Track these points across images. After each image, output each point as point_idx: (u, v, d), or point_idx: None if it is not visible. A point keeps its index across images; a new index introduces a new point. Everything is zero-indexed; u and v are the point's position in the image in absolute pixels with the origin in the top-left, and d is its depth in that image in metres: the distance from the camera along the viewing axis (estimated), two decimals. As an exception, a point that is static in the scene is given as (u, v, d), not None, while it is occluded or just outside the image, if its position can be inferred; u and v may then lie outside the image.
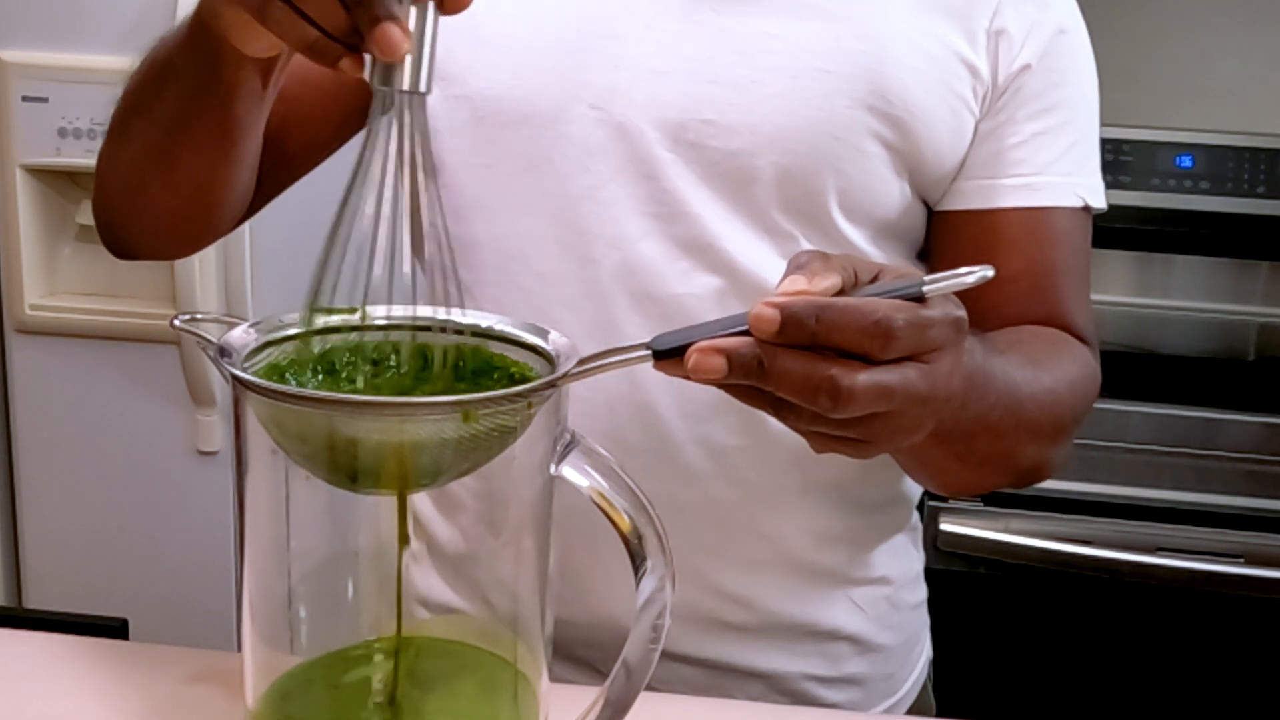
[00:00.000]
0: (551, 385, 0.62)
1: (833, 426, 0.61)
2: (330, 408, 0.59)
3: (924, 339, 0.60)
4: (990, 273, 0.60)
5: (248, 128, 0.83)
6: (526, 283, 0.89)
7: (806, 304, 0.58)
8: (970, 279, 0.60)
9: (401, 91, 0.62)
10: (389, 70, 0.62)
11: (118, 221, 0.94)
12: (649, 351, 0.61)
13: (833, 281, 0.61)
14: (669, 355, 0.61)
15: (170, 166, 0.86)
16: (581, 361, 0.63)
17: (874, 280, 0.63)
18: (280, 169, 0.95)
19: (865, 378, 0.58)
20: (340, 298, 0.64)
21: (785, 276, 0.62)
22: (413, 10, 0.62)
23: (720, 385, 0.61)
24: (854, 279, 0.63)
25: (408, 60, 0.61)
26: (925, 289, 0.60)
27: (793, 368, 0.58)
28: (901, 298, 0.60)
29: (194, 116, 0.81)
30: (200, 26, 0.75)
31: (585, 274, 0.87)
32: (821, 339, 0.58)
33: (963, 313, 0.63)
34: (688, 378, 0.60)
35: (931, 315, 0.60)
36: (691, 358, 0.59)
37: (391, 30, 0.60)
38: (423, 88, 0.62)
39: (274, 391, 0.59)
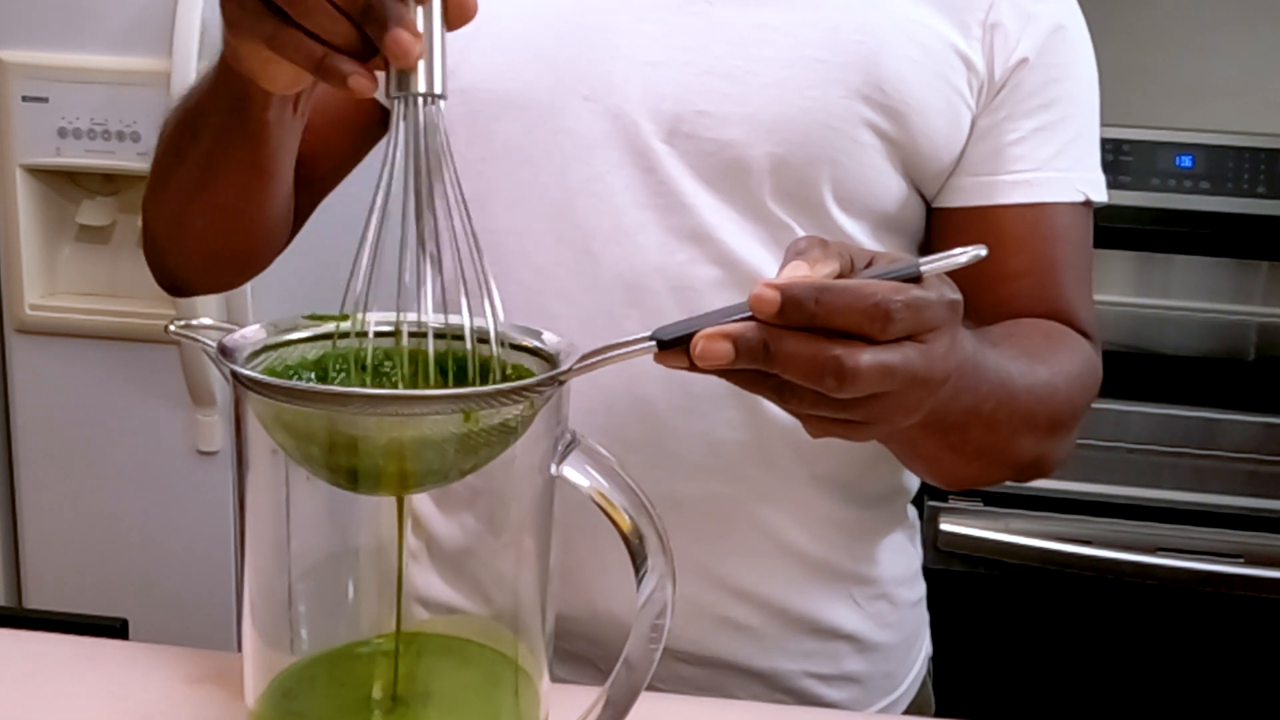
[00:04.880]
0: (556, 380, 0.62)
1: (834, 408, 0.62)
2: (331, 404, 0.59)
3: (921, 319, 0.61)
4: (983, 251, 0.62)
5: (280, 159, 0.85)
6: (524, 277, 0.89)
7: (806, 285, 0.59)
8: (964, 258, 0.62)
9: (418, 95, 0.62)
10: (403, 77, 0.62)
11: (164, 260, 0.96)
12: (653, 342, 0.61)
13: (832, 267, 0.62)
14: (672, 345, 0.61)
15: (209, 200, 0.88)
16: (584, 356, 0.63)
17: (868, 265, 0.64)
18: (307, 194, 0.97)
19: (869, 357, 0.59)
20: (374, 303, 0.64)
21: (785, 263, 0.63)
22: (419, 12, 0.62)
23: (724, 373, 0.61)
24: (850, 265, 0.64)
25: (420, 65, 0.62)
26: (922, 269, 0.62)
27: (798, 349, 0.59)
28: (898, 279, 0.61)
29: (228, 154, 0.83)
30: (227, 70, 0.77)
31: (583, 267, 0.87)
32: (821, 320, 0.59)
33: (958, 295, 0.64)
34: (690, 369, 0.61)
35: (928, 296, 0.61)
36: (698, 345, 0.60)
37: (402, 35, 0.61)
38: (438, 89, 0.63)
39: (274, 388, 0.59)
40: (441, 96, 0.63)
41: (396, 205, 0.63)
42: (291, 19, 0.64)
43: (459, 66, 0.90)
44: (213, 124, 0.83)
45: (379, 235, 0.62)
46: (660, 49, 0.86)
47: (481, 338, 0.66)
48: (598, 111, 0.86)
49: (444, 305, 0.64)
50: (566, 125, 0.87)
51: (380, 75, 0.64)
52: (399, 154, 0.62)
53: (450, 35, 0.90)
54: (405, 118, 0.62)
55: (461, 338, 0.65)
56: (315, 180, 0.97)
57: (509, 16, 0.89)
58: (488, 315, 0.64)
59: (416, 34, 0.62)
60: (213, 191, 0.87)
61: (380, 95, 0.65)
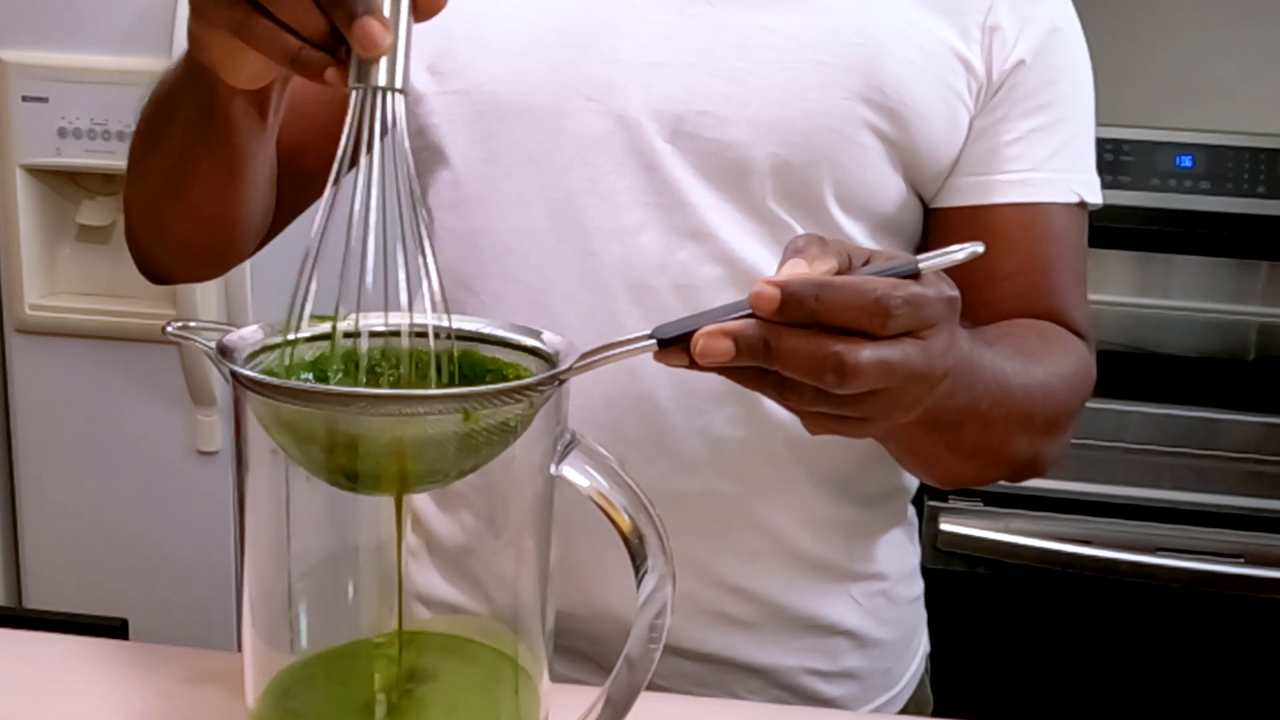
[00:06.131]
0: (556, 379, 0.62)
1: (834, 405, 0.62)
2: (331, 403, 0.59)
3: (921, 316, 0.61)
4: (980, 249, 0.63)
5: (252, 156, 0.84)
6: (526, 276, 0.89)
7: (806, 282, 0.60)
8: (961, 255, 0.62)
9: (379, 89, 0.61)
10: (365, 68, 0.61)
11: (144, 249, 0.96)
12: (653, 341, 0.61)
13: (831, 264, 0.62)
14: (672, 343, 0.61)
15: (182, 196, 0.87)
16: (584, 355, 0.63)
17: (866, 263, 0.65)
18: (300, 186, 0.96)
19: (869, 353, 0.59)
20: (324, 305, 0.63)
21: (784, 260, 0.63)
22: (386, 4, 0.62)
23: (725, 370, 0.61)
24: (848, 263, 0.64)
25: (383, 57, 0.61)
26: (920, 266, 0.62)
27: (798, 346, 0.59)
28: (897, 276, 0.61)
29: (198, 149, 0.82)
30: (192, 63, 0.76)
31: (585, 266, 0.88)
32: (821, 317, 0.59)
33: (956, 292, 0.64)
34: (689, 367, 0.61)
35: (927, 293, 0.62)
36: (699, 342, 0.60)
37: (371, 25, 0.61)
38: (398, 83, 0.62)
39: (273, 388, 0.59)
40: (402, 91, 0.62)
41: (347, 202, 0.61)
42: (261, 7, 0.63)
43: (463, 69, 0.90)
44: (182, 118, 0.82)
45: (329, 232, 0.61)
46: (662, 50, 0.86)
47: (471, 337, 0.66)
48: (600, 112, 0.87)
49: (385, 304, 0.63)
50: (569, 126, 0.87)
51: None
52: (352, 147, 0.61)
53: (455, 38, 0.90)
54: (363, 111, 0.61)
55: (451, 337, 0.65)
56: (308, 173, 0.96)
57: (513, 20, 0.89)
58: (427, 311, 0.63)
59: (385, 23, 0.61)
60: (185, 188, 0.86)
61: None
